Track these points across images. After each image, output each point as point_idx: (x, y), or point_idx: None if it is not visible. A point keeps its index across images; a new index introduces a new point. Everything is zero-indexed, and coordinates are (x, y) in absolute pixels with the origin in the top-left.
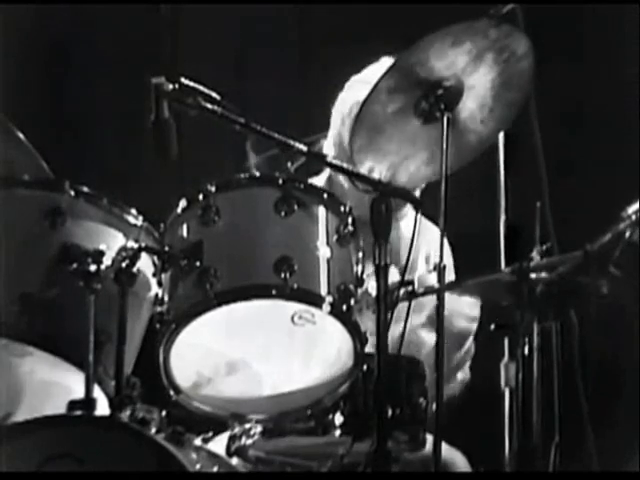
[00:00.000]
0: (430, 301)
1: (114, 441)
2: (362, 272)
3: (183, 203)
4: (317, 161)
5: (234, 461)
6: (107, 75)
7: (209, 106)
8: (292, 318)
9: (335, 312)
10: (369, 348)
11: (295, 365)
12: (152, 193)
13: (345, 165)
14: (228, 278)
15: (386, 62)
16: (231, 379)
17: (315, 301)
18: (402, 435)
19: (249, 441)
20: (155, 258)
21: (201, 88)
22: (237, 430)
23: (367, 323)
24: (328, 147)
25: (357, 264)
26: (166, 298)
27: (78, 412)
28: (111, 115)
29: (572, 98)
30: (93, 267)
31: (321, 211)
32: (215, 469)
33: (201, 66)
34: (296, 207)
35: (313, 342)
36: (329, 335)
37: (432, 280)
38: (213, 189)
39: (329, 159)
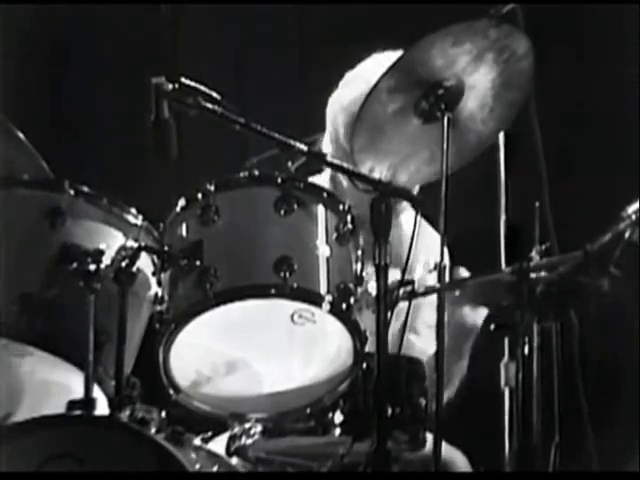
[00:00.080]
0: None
1: (114, 441)
2: (362, 271)
3: (182, 202)
4: (317, 161)
5: (234, 461)
6: (107, 75)
7: (209, 106)
8: (292, 317)
9: (335, 311)
10: (369, 347)
11: (295, 364)
12: (152, 193)
13: (345, 165)
14: (228, 278)
15: (378, 58)
16: (231, 378)
17: (315, 300)
18: (402, 435)
19: (249, 441)
20: (155, 257)
21: (201, 88)
22: (237, 430)
23: (367, 322)
24: (325, 144)
25: (356, 263)
26: (166, 297)
27: (78, 412)
28: (111, 115)
29: (572, 98)
30: (93, 267)
31: (320, 210)
32: (215, 469)
33: (201, 66)
34: (296, 206)
35: (313, 341)
36: (329, 334)
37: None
38: (212, 188)
39: (329, 159)
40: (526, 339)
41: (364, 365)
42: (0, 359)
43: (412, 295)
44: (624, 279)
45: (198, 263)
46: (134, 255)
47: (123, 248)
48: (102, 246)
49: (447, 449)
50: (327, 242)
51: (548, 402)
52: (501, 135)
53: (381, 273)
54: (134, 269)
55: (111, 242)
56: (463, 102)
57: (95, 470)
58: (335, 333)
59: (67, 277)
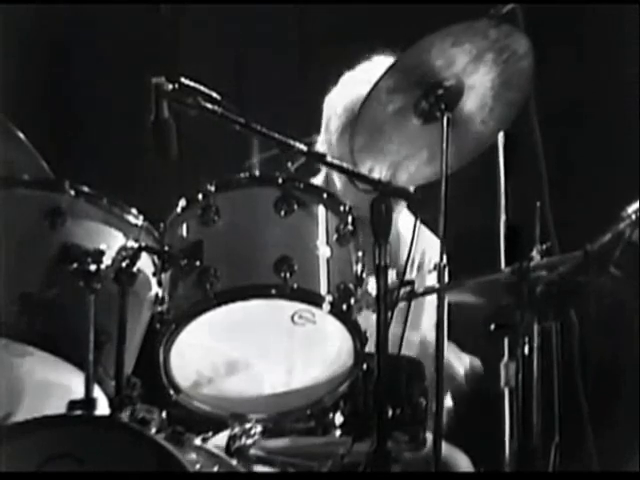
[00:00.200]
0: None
1: (114, 441)
2: (362, 271)
3: (183, 203)
4: (317, 161)
5: (234, 461)
6: (107, 75)
7: (209, 106)
8: (292, 318)
9: (335, 311)
10: (369, 347)
11: (295, 365)
12: (152, 193)
13: (345, 165)
14: (228, 278)
15: (378, 60)
16: (231, 379)
17: (315, 300)
18: (402, 435)
19: (249, 441)
20: (155, 258)
21: (201, 88)
22: (237, 430)
23: (367, 323)
24: (321, 144)
25: (357, 263)
26: (166, 298)
27: (78, 412)
28: (111, 115)
29: (572, 98)
30: (93, 267)
31: (321, 210)
32: (215, 469)
33: (201, 66)
34: (296, 207)
35: (313, 342)
36: (329, 334)
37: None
38: (213, 189)
39: (329, 159)
40: (526, 339)
41: (364, 366)
42: (0, 359)
43: (412, 295)
44: (624, 279)
45: (198, 263)
46: (134, 255)
47: (123, 248)
48: (102, 246)
49: (449, 449)
50: (327, 243)
51: (548, 402)
52: (501, 135)
53: (381, 273)
54: (134, 269)
55: (111, 242)
56: (463, 102)
57: (95, 470)
58: (335, 334)
59: (67, 277)
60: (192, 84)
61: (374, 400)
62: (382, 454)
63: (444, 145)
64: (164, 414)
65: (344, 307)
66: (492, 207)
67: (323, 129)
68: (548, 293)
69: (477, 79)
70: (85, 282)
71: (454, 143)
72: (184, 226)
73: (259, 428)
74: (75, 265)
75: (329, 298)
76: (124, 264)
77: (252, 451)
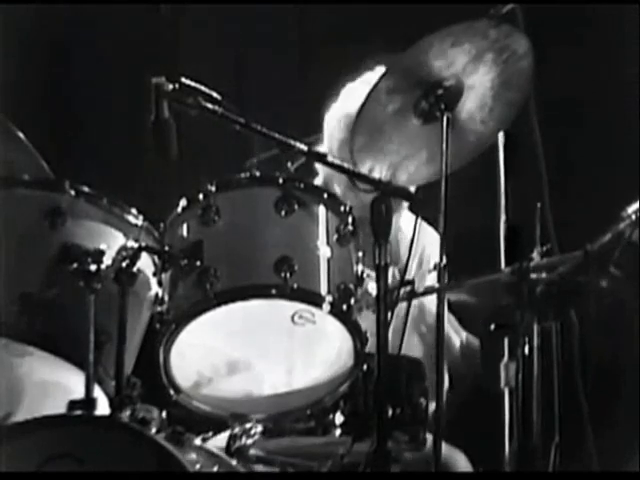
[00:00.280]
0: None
1: (114, 441)
2: (362, 271)
3: (183, 203)
4: (317, 161)
5: (234, 461)
6: (107, 75)
7: (209, 106)
8: (292, 318)
9: (335, 311)
10: (369, 348)
11: (295, 365)
12: (152, 193)
13: (345, 165)
14: (228, 278)
15: (380, 70)
16: (231, 379)
17: (315, 300)
18: (402, 435)
19: (249, 441)
20: (155, 258)
21: (201, 88)
22: (237, 430)
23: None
24: (323, 148)
25: (357, 263)
26: (166, 298)
27: (78, 412)
28: (111, 115)
29: (572, 98)
30: (93, 267)
31: (321, 211)
32: (215, 469)
33: (201, 66)
34: (296, 207)
35: (313, 342)
36: (329, 335)
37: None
38: (213, 189)
39: (329, 159)
40: (526, 339)
41: (364, 366)
42: (0, 359)
43: (412, 295)
44: (624, 279)
45: (198, 263)
46: (134, 255)
47: (123, 248)
48: (102, 246)
49: (448, 449)
50: (328, 243)
51: (548, 402)
52: (501, 135)
53: (381, 273)
54: (134, 269)
55: (111, 242)
56: (462, 102)
57: (95, 470)
58: (335, 334)
59: (67, 277)
60: (192, 84)
61: (374, 400)
62: (382, 454)
63: (444, 145)
64: (164, 414)
65: (344, 307)
66: (492, 207)
67: (326, 142)
68: (548, 293)
69: (477, 79)
70: (85, 282)
71: (454, 143)
72: (184, 226)
73: (259, 428)
74: (75, 265)
75: (329, 298)
76: (124, 264)
77: (252, 451)
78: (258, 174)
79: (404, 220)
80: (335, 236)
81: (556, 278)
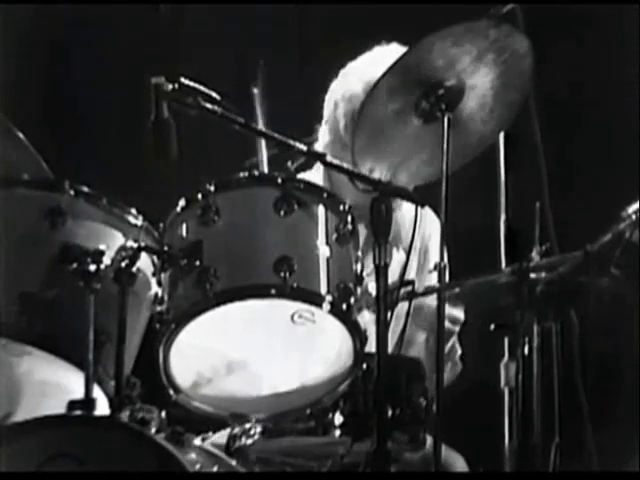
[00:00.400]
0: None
1: (114, 441)
2: (362, 271)
3: (182, 203)
4: (317, 161)
5: (234, 461)
6: (107, 75)
7: (209, 106)
8: (292, 317)
9: (335, 311)
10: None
11: (295, 364)
12: (152, 193)
13: (345, 165)
14: (228, 278)
15: (380, 52)
16: (231, 379)
17: (315, 300)
18: (402, 435)
19: (249, 441)
20: (155, 258)
21: (201, 88)
22: (237, 430)
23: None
24: (323, 133)
25: (356, 263)
26: (166, 298)
27: (78, 412)
28: (111, 115)
29: (572, 98)
30: (93, 267)
31: (320, 210)
32: (215, 469)
33: (201, 66)
34: (296, 206)
35: (313, 341)
36: (329, 334)
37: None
38: (213, 189)
39: (329, 159)
40: (526, 339)
41: (364, 366)
42: (0, 359)
43: (412, 295)
44: (624, 279)
45: (198, 263)
46: (134, 255)
47: (123, 248)
48: (102, 246)
49: (445, 450)
50: (327, 242)
51: (548, 402)
52: (501, 135)
53: (381, 273)
54: (134, 269)
55: (111, 242)
56: (463, 102)
57: (95, 470)
58: (335, 333)
59: (67, 277)
60: (192, 84)
61: (374, 400)
62: (382, 454)
63: (444, 145)
64: (164, 414)
65: (344, 307)
66: (492, 207)
67: (327, 118)
68: (548, 293)
69: (477, 79)
70: (85, 282)
71: (454, 143)
72: (184, 226)
73: (259, 428)
74: (75, 265)
75: (329, 298)
76: (124, 264)
77: (252, 451)
78: (257, 174)
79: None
80: (334, 235)
81: (556, 278)
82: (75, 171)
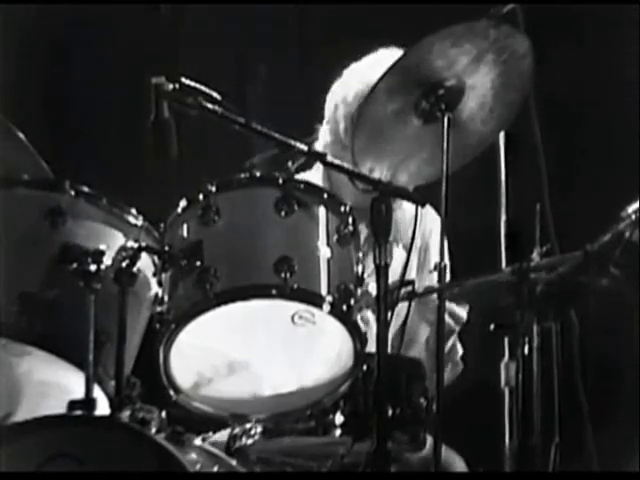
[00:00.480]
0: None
1: (114, 441)
2: (362, 272)
3: (183, 203)
4: (317, 161)
5: (234, 461)
6: (107, 75)
7: (209, 106)
8: (292, 318)
9: (335, 312)
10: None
11: (295, 365)
12: (152, 193)
13: (345, 165)
14: (228, 278)
15: (383, 54)
16: (231, 379)
17: (315, 301)
18: (402, 435)
19: (249, 441)
20: (155, 258)
21: (201, 88)
22: (237, 430)
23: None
24: (324, 133)
25: (357, 264)
26: (166, 298)
27: (78, 412)
28: (111, 115)
29: (572, 98)
30: (93, 267)
31: (321, 211)
32: (215, 469)
33: (201, 66)
34: (296, 207)
35: (313, 342)
36: (329, 335)
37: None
38: (213, 189)
39: (329, 159)
40: (526, 339)
41: (364, 366)
42: (0, 359)
43: (412, 295)
44: (624, 279)
45: (198, 263)
46: (134, 255)
47: (123, 248)
48: (102, 246)
49: (444, 450)
50: (328, 243)
51: (548, 402)
52: (501, 135)
53: (381, 273)
54: (134, 269)
55: (111, 242)
56: (463, 102)
57: (95, 470)
58: (335, 334)
59: (67, 277)
60: (192, 84)
61: (374, 400)
62: (382, 454)
63: (444, 145)
64: (164, 414)
65: (344, 308)
66: (492, 207)
67: (327, 119)
68: (548, 293)
69: (477, 79)
70: (85, 282)
71: (454, 143)
72: (184, 226)
73: (259, 428)
74: (75, 265)
75: (329, 299)
76: (124, 264)
77: (252, 451)
78: (258, 174)
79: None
80: (335, 236)
81: (556, 278)
82: (75, 171)
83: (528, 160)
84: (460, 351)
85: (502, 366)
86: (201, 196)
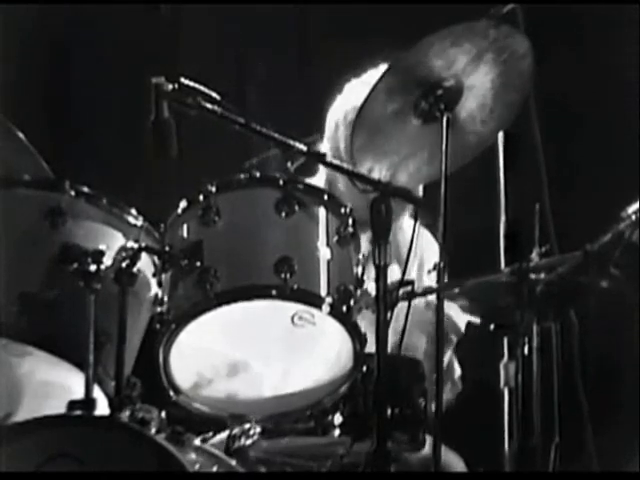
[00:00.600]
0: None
1: (114, 441)
2: (362, 273)
3: (183, 203)
4: (317, 161)
5: (233, 461)
6: (107, 75)
7: (209, 106)
8: (292, 319)
9: (335, 313)
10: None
11: (295, 366)
12: (152, 193)
13: (345, 165)
14: (228, 278)
15: (384, 67)
16: (231, 379)
17: (315, 302)
18: (402, 435)
19: (249, 441)
20: (155, 258)
21: (201, 88)
22: (237, 430)
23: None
24: (325, 149)
25: (357, 265)
26: (166, 298)
27: (78, 412)
28: (111, 115)
29: (572, 98)
30: (93, 267)
31: (321, 212)
32: (215, 469)
33: (201, 66)
34: (297, 208)
35: (313, 343)
36: (329, 336)
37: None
38: (213, 189)
39: (329, 159)
40: (526, 339)
41: (364, 367)
42: (0, 359)
43: (412, 295)
44: (624, 279)
45: (199, 264)
46: (134, 256)
47: (123, 249)
48: (102, 246)
49: (444, 450)
50: (328, 244)
51: (548, 402)
52: (501, 135)
53: (381, 273)
54: (134, 270)
55: (111, 242)
56: (462, 102)
57: (95, 470)
58: (335, 335)
59: (67, 277)
60: (192, 84)
61: (374, 400)
62: (382, 454)
63: (444, 145)
64: (164, 414)
65: (344, 309)
66: (491, 207)
67: (328, 137)
68: (548, 293)
69: (477, 79)
70: (85, 282)
71: (454, 143)
72: (184, 226)
73: (259, 429)
74: (75, 265)
75: (329, 299)
76: (124, 264)
77: (251, 451)
78: (258, 175)
79: (406, 222)
80: (335, 237)
81: (556, 278)
82: (75, 171)
83: (528, 160)
84: (458, 371)
85: (502, 366)
86: (201, 196)
